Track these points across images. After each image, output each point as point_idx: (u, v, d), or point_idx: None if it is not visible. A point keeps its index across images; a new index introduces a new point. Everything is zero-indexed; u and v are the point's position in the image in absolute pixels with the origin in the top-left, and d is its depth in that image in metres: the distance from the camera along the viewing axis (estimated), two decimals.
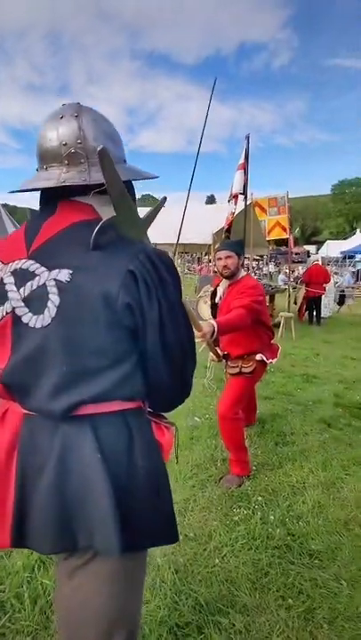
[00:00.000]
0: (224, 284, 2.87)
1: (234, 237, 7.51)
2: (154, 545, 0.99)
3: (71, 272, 0.82)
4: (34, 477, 0.87)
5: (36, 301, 0.84)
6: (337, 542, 2.11)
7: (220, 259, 2.74)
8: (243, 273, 2.84)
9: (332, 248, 25.12)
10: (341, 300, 11.79)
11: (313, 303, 9.84)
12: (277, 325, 8.49)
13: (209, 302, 3.26)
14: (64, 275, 0.82)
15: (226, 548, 2.04)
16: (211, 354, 2.88)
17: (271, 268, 21.29)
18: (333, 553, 2.03)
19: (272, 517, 2.25)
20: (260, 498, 2.44)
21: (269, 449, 3.12)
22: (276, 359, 2.81)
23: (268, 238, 10.53)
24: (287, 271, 12.49)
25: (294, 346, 7.04)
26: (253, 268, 18.20)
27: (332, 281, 10.65)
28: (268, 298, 10.10)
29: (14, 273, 0.87)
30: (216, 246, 2.85)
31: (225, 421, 2.64)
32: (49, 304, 0.83)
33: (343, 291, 12.18)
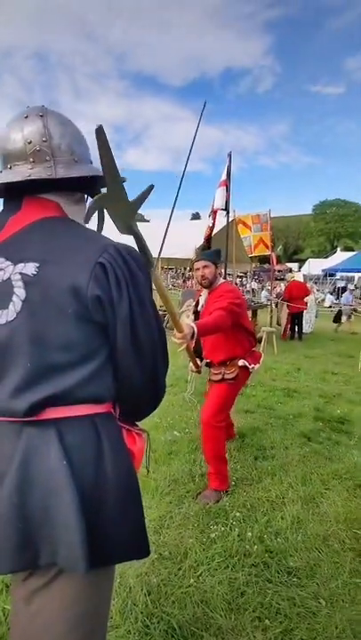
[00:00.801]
0: (205, 293, 2.89)
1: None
2: (123, 560, 0.91)
3: (38, 265, 0.80)
4: None
5: (0, 296, 0.81)
6: (316, 559, 2.05)
7: (197, 269, 2.75)
8: (220, 280, 2.85)
9: (314, 266, 25.64)
10: (337, 318, 11.71)
11: (295, 318, 9.94)
12: (260, 341, 8.54)
13: (192, 316, 3.16)
14: (30, 268, 0.80)
15: (202, 566, 1.95)
16: (190, 364, 2.83)
17: (254, 284, 21.57)
18: (312, 570, 1.97)
19: (250, 534, 2.18)
20: (237, 514, 2.37)
21: (249, 463, 3.06)
22: (258, 365, 2.77)
23: (252, 254, 10.68)
24: (270, 288, 12.62)
25: (276, 360, 7.05)
26: (237, 284, 18.38)
27: (312, 296, 10.79)
28: (250, 313, 10.18)
29: None
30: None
31: (208, 428, 2.59)
32: (14, 298, 0.80)
33: (340, 309, 12.00)
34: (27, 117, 0.90)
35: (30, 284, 0.80)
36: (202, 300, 2.93)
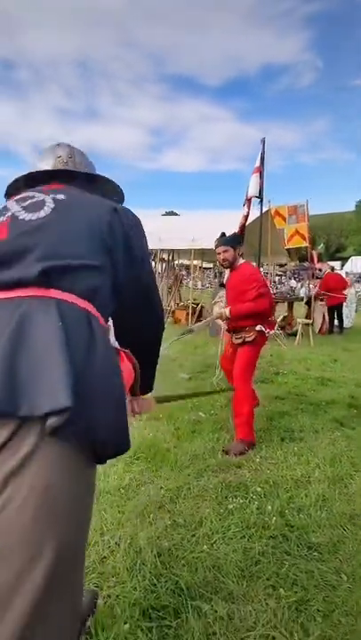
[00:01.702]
0: (227, 272, 3.39)
1: (247, 244, 7.43)
2: (103, 441, 0.80)
3: (67, 197, 1.03)
4: None
5: (33, 207, 0.98)
6: (340, 536, 1.92)
7: (218, 253, 3.15)
8: (240, 261, 3.20)
9: (357, 263, 24.62)
10: None
11: (334, 312, 9.56)
12: (295, 334, 8.28)
13: (222, 304, 3.84)
14: (61, 196, 1.02)
15: (216, 535, 1.88)
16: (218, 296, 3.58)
17: (293, 282, 20.97)
18: (335, 546, 1.84)
19: (270, 507, 2.08)
20: (258, 489, 2.28)
21: (275, 444, 2.94)
22: (273, 331, 3.31)
23: (287, 246, 10.40)
24: (310, 286, 11.99)
25: (311, 352, 6.81)
26: (275, 282, 17.93)
27: (352, 289, 10.33)
28: (286, 305, 9.91)
29: (17, 200, 1.02)
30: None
31: (239, 381, 2.97)
32: (45, 207, 0.98)
33: None
34: (59, 145, 1.24)
35: (59, 202, 1.00)
36: (226, 274, 3.44)
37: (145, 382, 1.23)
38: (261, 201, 6.90)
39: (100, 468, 2.31)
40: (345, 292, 9.28)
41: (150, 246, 7.88)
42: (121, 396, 0.87)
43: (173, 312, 10.38)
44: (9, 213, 0.97)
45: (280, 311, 10.36)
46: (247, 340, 3.03)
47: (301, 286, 17.95)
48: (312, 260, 11.73)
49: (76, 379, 0.73)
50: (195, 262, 13.32)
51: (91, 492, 0.85)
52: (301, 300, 10.00)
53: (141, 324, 1.17)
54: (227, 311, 3.04)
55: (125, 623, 1.36)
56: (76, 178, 1.18)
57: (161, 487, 2.27)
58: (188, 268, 16.14)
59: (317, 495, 2.24)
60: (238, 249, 3.15)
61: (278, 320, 8.94)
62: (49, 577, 0.69)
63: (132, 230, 1.06)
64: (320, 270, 12.05)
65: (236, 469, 2.53)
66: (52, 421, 0.70)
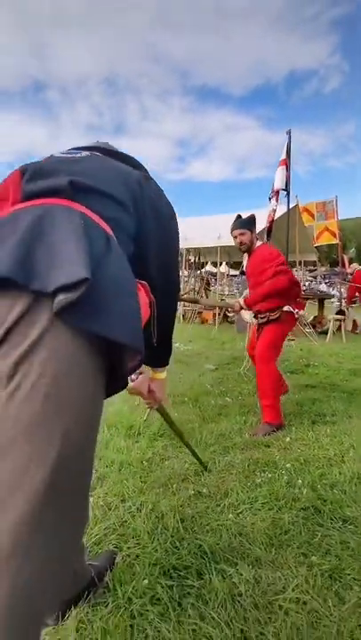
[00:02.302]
0: (245, 258, 3.24)
1: (274, 240, 7.27)
2: (115, 334, 0.72)
3: (102, 155, 1.07)
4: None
5: (71, 153, 1.04)
6: None
7: (235, 237, 3.02)
8: (258, 243, 3.07)
9: None
10: None
11: None
12: (326, 332, 8.01)
13: (251, 313, 3.57)
14: (97, 153, 1.07)
15: (243, 505, 1.78)
16: (245, 293, 3.21)
17: (323, 287, 20.48)
18: None
19: (300, 481, 1.96)
20: (288, 465, 2.15)
21: (305, 427, 2.80)
22: (303, 311, 2.93)
23: (316, 244, 10.16)
24: (342, 290, 11.44)
25: (344, 348, 6.55)
26: (305, 287, 17.46)
27: None
28: (317, 303, 9.64)
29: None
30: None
31: (261, 363, 2.81)
32: (82, 153, 1.03)
33: None
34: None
35: (96, 155, 1.05)
36: (245, 262, 3.28)
37: (161, 354, 1.23)
38: (288, 194, 6.73)
39: (122, 441, 2.26)
40: None
41: None
42: (135, 297, 0.82)
43: (200, 313, 10.30)
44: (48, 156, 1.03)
45: (310, 312, 10.09)
46: (271, 318, 2.87)
47: (333, 290, 17.49)
48: (343, 265, 11.33)
49: (93, 264, 0.69)
50: (221, 265, 13.25)
51: (99, 398, 0.79)
52: (332, 297, 9.69)
53: (158, 289, 1.03)
54: (240, 300, 2.95)
55: (145, 579, 1.29)
56: (109, 154, 1.17)
57: (185, 461, 2.19)
58: (215, 275, 16.03)
59: (352, 473, 2.09)
60: (254, 231, 3.02)
61: (309, 320, 8.70)
62: (50, 477, 0.65)
63: (160, 199, 1.07)
64: (352, 274, 11.66)
65: (264, 448, 2.42)
66: (62, 297, 0.65)
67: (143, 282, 0.95)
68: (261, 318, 2.95)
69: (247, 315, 6.68)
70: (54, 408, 0.66)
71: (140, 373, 1.26)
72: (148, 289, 0.96)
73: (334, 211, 9.61)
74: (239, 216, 3.05)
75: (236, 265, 12.58)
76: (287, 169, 6.59)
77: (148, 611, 1.18)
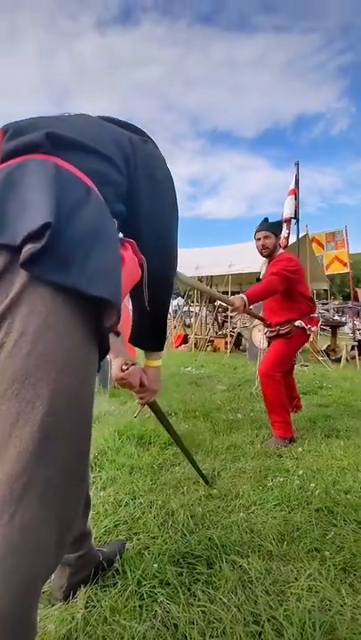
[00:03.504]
0: (266, 263, 3.13)
1: None
2: (90, 281, 0.68)
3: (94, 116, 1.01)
4: None
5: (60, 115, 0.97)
6: None
7: (258, 239, 2.88)
8: (280, 251, 2.95)
9: None
10: None
11: None
12: (339, 360, 7.92)
13: (263, 330, 3.62)
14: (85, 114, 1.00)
15: (255, 506, 1.75)
16: (256, 321, 3.25)
17: (336, 317, 20.33)
18: None
19: (313, 485, 1.93)
20: (301, 472, 2.12)
21: (318, 439, 2.76)
22: (316, 327, 2.78)
23: (327, 273, 10.22)
24: (355, 322, 11.40)
25: (358, 373, 6.45)
26: (317, 315, 17.36)
27: None
28: (330, 330, 9.59)
29: None
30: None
31: (266, 379, 2.73)
32: (71, 113, 0.97)
33: None
34: None
35: (85, 114, 0.98)
36: (263, 270, 3.27)
37: (155, 335, 1.16)
38: (298, 222, 6.92)
39: (133, 448, 2.26)
40: None
41: (188, 274, 7.95)
42: (114, 251, 0.77)
43: (212, 341, 10.32)
44: None
45: (324, 341, 10.02)
46: (281, 332, 2.80)
47: (346, 322, 17.37)
48: (356, 299, 11.29)
49: (64, 212, 0.68)
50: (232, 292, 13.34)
51: (86, 352, 0.74)
52: (344, 324, 9.65)
53: (152, 254, 0.94)
54: (243, 297, 2.55)
55: (155, 564, 1.28)
56: (104, 119, 1.08)
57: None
58: (226, 309, 15.94)
59: None
60: (279, 237, 2.95)
61: (323, 348, 8.64)
62: (40, 432, 0.63)
63: (156, 162, 1.00)
64: None
65: (276, 458, 2.39)
66: (27, 247, 0.64)
67: (130, 240, 0.89)
68: (271, 332, 2.90)
69: (258, 338, 6.65)
70: (37, 363, 0.65)
71: (133, 364, 1.20)
72: (135, 248, 0.89)
73: (344, 240, 9.74)
74: (266, 219, 2.93)
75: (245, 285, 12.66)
76: (296, 198, 6.81)
77: (157, 593, 1.17)
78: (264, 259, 3.11)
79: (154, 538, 1.46)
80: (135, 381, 1.21)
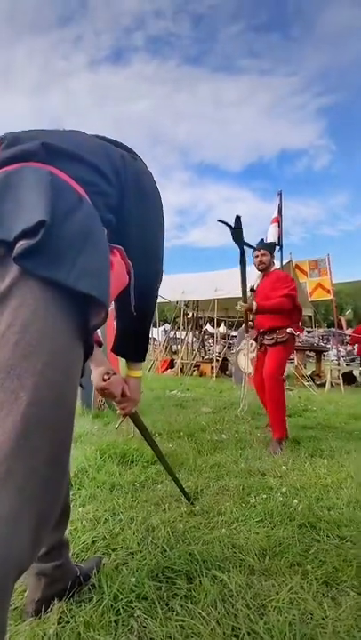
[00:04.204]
0: (260, 275, 3.72)
1: None
2: (77, 279, 0.70)
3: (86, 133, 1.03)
4: None
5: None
6: None
7: (256, 256, 3.46)
8: (273, 267, 3.50)
9: None
10: None
11: None
12: (324, 385, 7.97)
13: (248, 355, 4.27)
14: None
15: (237, 522, 1.72)
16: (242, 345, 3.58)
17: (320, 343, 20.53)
18: None
19: (296, 502, 1.90)
20: (284, 489, 2.10)
21: (302, 458, 2.74)
22: (302, 333, 3.24)
23: (310, 299, 10.42)
24: (340, 350, 11.47)
25: (343, 397, 6.49)
26: (302, 340, 17.54)
27: None
28: (315, 355, 9.69)
29: None
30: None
31: (271, 380, 3.12)
32: (65, 128, 1.01)
33: None
34: None
35: (79, 131, 1.01)
36: (257, 282, 3.80)
37: (138, 343, 1.18)
38: (281, 248, 7.10)
39: (115, 467, 2.22)
40: None
41: (174, 299, 8.02)
42: (104, 254, 0.81)
43: (198, 366, 10.30)
44: None
45: (309, 367, 10.11)
46: (279, 340, 3.22)
47: (330, 349, 17.57)
48: (340, 327, 11.49)
49: (59, 214, 0.70)
50: (220, 326, 13.38)
51: (73, 347, 0.75)
52: (328, 350, 9.77)
53: (138, 263, 0.97)
54: (254, 303, 3.19)
55: (132, 577, 1.24)
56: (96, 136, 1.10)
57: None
58: (212, 335, 15.87)
59: (350, 497, 2.03)
60: (273, 255, 3.53)
61: (308, 374, 8.70)
62: (21, 425, 0.62)
63: (145, 177, 1.04)
64: (350, 337, 11.75)
65: (260, 476, 2.36)
66: (21, 243, 0.66)
67: (119, 247, 0.92)
68: (268, 340, 3.28)
69: (243, 362, 6.73)
70: (23, 354, 0.65)
71: (114, 374, 1.20)
72: (124, 254, 0.92)
73: (327, 268, 10.00)
74: (262, 240, 3.58)
75: (234, 325, 12.67)
76: (279, 225, 7.02)
77: (134, 607, 1.13)
78: (259, 273, 3.63)
79: (133, 553, 1.42)
80: (117, 391, 1.22)
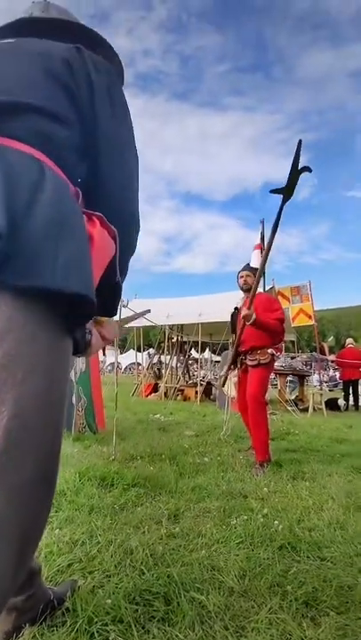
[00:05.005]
0: (243, 298, 3.80)
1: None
2: (56, 282, 0.62)
3: (15, 42, 0.88)
4: None
5: None
6: (358, 551, 1.70)
7: (241, 277, 3.59)
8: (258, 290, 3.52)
9: None
10: None
11: (349, 387, 9.30)
12: (306, 409, 7.99)
13: (231, 379, 4.20)
14: (9, 40, 0.88)
15: (217, 544, 1.69)
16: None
17: (303, 367, 20.70)
18: (351, 559, 1.63)
19: (277, 523, 1.89)
20: (265, 511, 2.08)
21: (284, 481, 2.73)
22: (281, 354, 3.29)
23: (293, 325, 10.58)
24: (323, 375, 11.63)
25: (325, 421, 6.51)
26: (285, 364, 17.67)
27: None
28: (297, 379, 9.75)
29: None
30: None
31: (254, 401, 3.18)
32: None
33: None
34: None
35: (3, 43, 0.87)
36: (241, 302, 3.86)
37: (113, 299, 0.97)
38: (264, 274, 7.25)
39: (94, 489, 2.17)
40: None
41: (159, 323, 8.03)
42: (82, 239, 0.71)
43: (182, 391, 10.23)
44: None
45: (292, 392, 10.17)
46: (262, 362, 3.30)
47: (313, 373, 17.73)
48: (323, 352, 11.67)
49: (18, 209, 0.62)
50: (205, 351, 13.33)
51: (59, 352, 0.70)
52: (311, 374, 9.86)
53: (117, 209, 0.87)
54: (254, 315, 3.12)
55: (108, 599, 1.20)
56: (32, 31, 0.94)
57: (159, 507, 2.09)
58: (197, 360, 15.68)
59: (331, 518, 2.03)
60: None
61: (291, 398, 8.74)
62: (5, 438, 0.59)
63: (101, 73, 0.86)
64: (333, 362, 11.96)
65: (242, 499, 2.33)
66: None
67: (98, 214, 0.80)
68: (251, 360, 3.35)
69: (226, 386, 6.77)
70: (2, 365, 0.61)
71: (89, 332, 1.02)
72: (104, 220, 0.80)
73: (309, 294, 10.23)
74: (248, 264, 3.79)
75: (217, 350, 12.67)
76: (261, 252, 7.19)
77: (109, 630, 1.09)
78: (243, 294, 3.72)
79: (109, 576, 1.38)
80: (100, 346, 0.99)
